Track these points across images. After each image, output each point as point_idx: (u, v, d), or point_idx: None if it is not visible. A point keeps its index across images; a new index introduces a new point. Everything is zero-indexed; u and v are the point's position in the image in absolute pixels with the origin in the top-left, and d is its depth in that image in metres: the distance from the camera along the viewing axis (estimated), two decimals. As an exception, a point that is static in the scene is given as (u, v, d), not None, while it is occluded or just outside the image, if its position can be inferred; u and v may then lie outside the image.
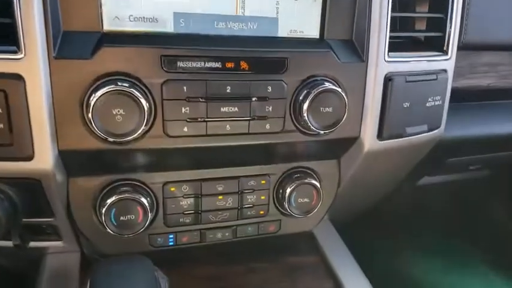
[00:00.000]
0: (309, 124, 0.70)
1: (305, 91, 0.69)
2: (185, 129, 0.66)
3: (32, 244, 0.80)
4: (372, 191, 1.01)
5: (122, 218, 0.71)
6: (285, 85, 0.69)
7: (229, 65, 0.66)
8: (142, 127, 0.63)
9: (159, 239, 0.78)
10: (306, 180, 0.80)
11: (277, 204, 0.83)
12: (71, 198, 0.71)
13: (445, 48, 0.81)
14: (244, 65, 0.67)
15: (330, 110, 0.70)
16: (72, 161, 0.67)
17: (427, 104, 0.80)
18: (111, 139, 0.63)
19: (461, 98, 1.08)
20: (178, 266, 0.87)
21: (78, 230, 0.76)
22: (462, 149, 1.04)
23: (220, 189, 0.78)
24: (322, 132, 0.72)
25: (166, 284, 0.57)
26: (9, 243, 0.77)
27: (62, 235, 0.80)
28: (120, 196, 0.70)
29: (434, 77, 0.79)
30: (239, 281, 0.87)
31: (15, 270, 1.16)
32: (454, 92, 0.90)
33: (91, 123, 0.61)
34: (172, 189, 0.75)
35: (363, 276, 0.91)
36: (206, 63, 0.65)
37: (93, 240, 0.76)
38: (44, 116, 0.59)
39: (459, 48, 0.86)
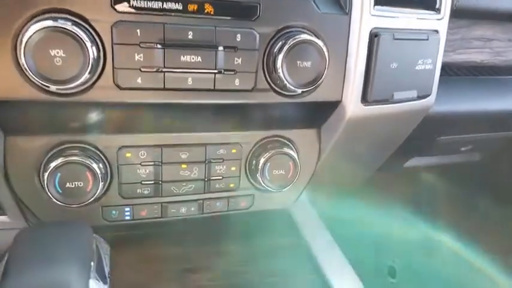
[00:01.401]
0: (284, 81, 0.62)
1: (280, 42, 0.61)
2: (139, 80, 0.57)
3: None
4: (356, 167, 0.93)
5: (68, 184, 0.62)
6: (257, 34, 0.60)
7: (191, 7, 0.57)
8: (86, 74, 0.54)
9: (113, 212, 0.69)
10: (282, 150, 0.71)
11: (249, 177, 0.75)
12: (8, 161, 0.62)
13: (437, 7, 0.73)
14: (209, 8, 0.58)
15: (307, 65, 0.62)
16: (8, 115, 0.58)
17: (417, 67, 0.72)
18: (51, 87, 0.54)
19: (454, 74, 1.01)
20: (139, 245, 0.79)
21: (19, 200, 0.67)
22: (453, 126, 0.96)
23: (184, 157, 0.69)
24: (299, 91, 0.64)
25: (106, 257, 0.48)
26: None
27: (3, 207, 0.71)
28: (66, 159, 0.61)
29: (425, 36, 0.71)
30: (208, 262, 0.78)
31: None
32: (445, 67, 0.82)
33: (24, 67, 0.52)
34: (128, 155, 0.66)
35: (346, 263, 0.83)
36: (164, 3, 0.56)
37: (36, 212, 0.66)
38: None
39: (451, 14, 0.78)
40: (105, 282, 0.44)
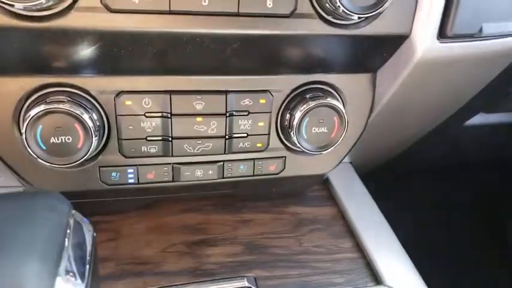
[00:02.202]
0: (337, 2, 0.44)
1: None
2: (135, -1, 0.42)
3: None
4: (412, 124, 0.75)
5: (53, 139, 0.48)
6: None
7: None
8: None
9: (113, 174, 0.56)
10: (326, 102, 0.55)
11: (281, 135, 0.59)
12: (-23, 107, 0.49)
13: None
14: None
15: (369, -20, 0.44)
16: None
17: (517, -10, 0.52)
18: (16, 5, 0.39)
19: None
20: (148, 212, 0.66)
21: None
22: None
23: (199, 107, 0.54)
24: (355, 18, 0.46)
25: (90, 239, 0.35)
26: None
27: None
28: (49, 107, 0.47)
29: None
30: (228, 234, 0.65)
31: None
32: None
33: None
34: (128, 102, 0.52)
35: (394, 238, 0.69)
36: None
37: (21, 173, 0.54)
38: None
39: None
40: (82, 278, 0.32)
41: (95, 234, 0.37)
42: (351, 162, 0.83)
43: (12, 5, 0.40)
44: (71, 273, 0.31)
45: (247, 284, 0.58)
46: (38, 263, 0.29)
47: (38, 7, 0.41)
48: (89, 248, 0.35)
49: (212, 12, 0.44)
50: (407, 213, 0.79)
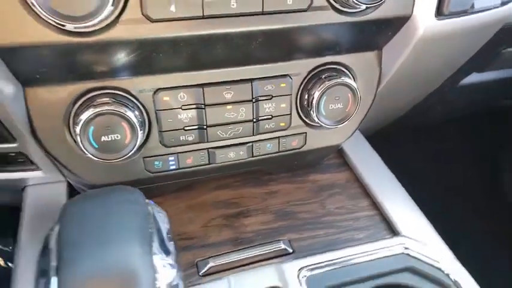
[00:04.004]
0: (348, -7, 0.50)
1: None
2: (172, 8, 0.47)
3: (9, 175, 0.66)
4: (413, 91, 0.82)
5: (103, 138, 0.54)
6: None
7: None
8: (109, 5, 0.43)
9: (156, 163, 0.62)
10: (340, 80, 0.61)
11: (301, 114, 0.66)
12: (32, 116, 0.54)
13: None
14: None
15: (376, -28, 0.49)
16: (22, 64, 0.49)
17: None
18: (69, 26, 0.44)
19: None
20: (186, 192, 0.73)
21: (51, 158, 0.60)
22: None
23: (228, 96, 0.60)
24: (363, 6, 0.52)
25: (165, 220, 0.42)
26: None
27: (37, 163, 0.65)
28: (98, 110, 0.53)
29: None
30: (260, 204, 0.73)
31: (9, 203, 1.05)
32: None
33: (32, 2, 0.42)
34: (165, 98, 0.58)
35: (405, 194, 0.77)
36: None
37: (73, 169, 0.60)
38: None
39: None
40: (168, 254, 0.38)
41: (166, 214, 0.43)
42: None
43: (63, 26, 0.45)
44: (160, 251, 0.39)
45: (283, 246, 0.66)
46: (138, 247, 0.35)
47: (87, 28, 0.46)
48: (167, 227, 0.42)
49: (240, 13, 0.50)
50: (411, 167, 0.87)
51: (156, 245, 0.37)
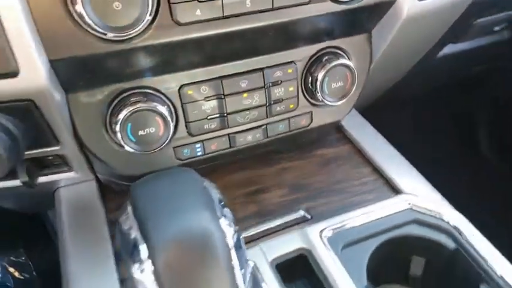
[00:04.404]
0: (344, -13, 0.58)
1: None
2: (197, 12, 0.54)
3: (42, 179, 0.72)
4: (399, 66, 0.91)
5: (140, 132, 0.61)
6: None
7: None
8: (147, 15, 0.50)
9: (185, 151, 0.69)
10: (339, 62, 0.70)
11: (306, 95, 0.74)
12: (75, 119, 0.61)
13: None
14: None
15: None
16: (68, 73, 0.55)
17: None
18: (110, 35, 0.50)
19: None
20: (209, 176, 0.80)
21: (91, 156, 0.67)
22: (495, 6, 0.92)
23: (243, 85, 0.67)
24: (356, -4, 0.60)
25: (216, 191, 0.49)
26: (16, 182, 0.68)
27: (72, 164, 0.71)
28: (133, 108, 0.59)
29: None
30: (275, 181, 0.81)
31: (28, 211, 1.09)
32: None
33: (81, 18, 0.48)
34: (190, 92, 0.65)
35: (402, 158, 0.86)
36: None
37: (113, 164, 0.66)
38: (19, 15, 0.46)
39: None
40: (226, 217, 0.46)
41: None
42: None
43: (105, 34, 0.51)
44: (221, 215, 0.46)
45: (302, 213, 0.74)
46: (207, 212, 0.43)
47: (125, 36, 0.52)
48: (219, 197, 0.49)
49: (254, 11, 0.57)
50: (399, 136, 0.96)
51: (218, 212, 0.44)
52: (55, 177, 0.74)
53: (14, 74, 0.48)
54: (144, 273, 0.40)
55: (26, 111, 0.54)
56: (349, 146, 0.89)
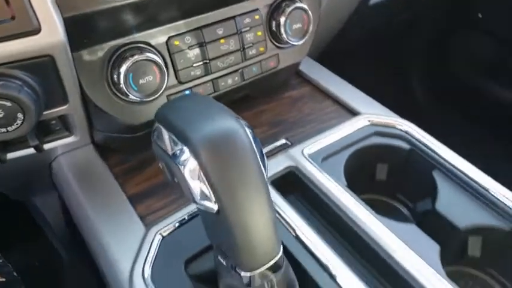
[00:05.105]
0: None
1: None
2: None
3: (49, 146, 0.77)
4: (341, 11, 1.06)
5: (141, 81, 0.70)
6: None
7: None
8: None
9: (176, 98, 0.78)
10: (297, 5, 0.82)
11: (272, 39, 0.86)
12: (80, 76, 0.68)
13: None
14: None
15: None
16: (76, 30, 0.62)
17: None
18: None
19: None
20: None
21: (94, 113, 0.74)
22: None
23: (220, 33, 0.77)
24: None
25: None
26: (24, 152, 0.74)
27: (74, 127, 0.77)
28: (133, 59, 0.67)
29: None
30: (255, 121, 0.92)
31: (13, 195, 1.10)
32: None
33: None
34: (176, 43, 0.74)
35: (355, 88, 1.01)
36: None
37: (116, 115, 0.73)
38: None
39: None
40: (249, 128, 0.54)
41: None
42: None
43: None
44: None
45: (284, 141, 0.87)
46: (232, 116, 0.52)
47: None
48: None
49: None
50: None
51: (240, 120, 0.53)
52: (56, 143, 0.80)
53: (36, 31, 0.55)
54: (189, 170, 0.49)
55: (44, 68, 0.60)
56: (310, 87, 1.03)
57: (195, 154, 0.47)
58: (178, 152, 0.49)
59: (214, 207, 0.49)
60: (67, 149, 0.85)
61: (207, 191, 0.48)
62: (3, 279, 1.32)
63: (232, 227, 0.49)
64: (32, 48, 0.57)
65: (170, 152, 0.50)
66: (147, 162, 0.84)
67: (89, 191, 0.79)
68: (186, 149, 0.48)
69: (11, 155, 0.74)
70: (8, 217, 1.24)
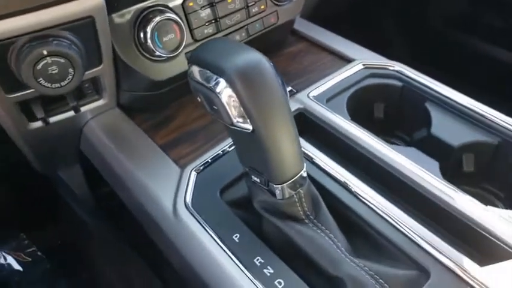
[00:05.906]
0: None
1: None
2: None
3: (83, 109, 0.86)
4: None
5: (164, 39, 0.79)
6: None
7: None
8: None
9: (194, 55, 0.88)
10: (290, -35, 0.92)
11: (271, -4, 0.95)
12: (112, 37, 0.76)
13: None
14: None
15: None
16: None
17: None
18: None
19: None
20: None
21: (122, 73, 0.83)
22: None
23: (226, -8, 0.87)
24: None
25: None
26: (63, 116, 0.82)
27: (104, 89, 0.86)
28: (158, 19, 0.76)
29: None
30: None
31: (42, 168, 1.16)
32: None
33: None
34: (191, 4, 0.83)
35: (347, 40, 1.12)
36: None
37: (144, 72, 0.82)
38: None
39: None
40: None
41: None
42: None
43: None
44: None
45: (290, 89, 0.97)
46: (260, 55, 0.61)
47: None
48: None
49: None
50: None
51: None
52: (88, 107, 0.88)
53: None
54: (226, 97, 0.58)
55: (87, 28, 0.69)
56: (306, 42, 1.13)
57: (230, 83, 0.56)
58: (214, 83, 0.58)
59: (250, 127, 0.59)
60: (95, 113, 0.93)
61: (243, 113, 0.58)
62: (29, 259, 1.39)
63: (265, 142, 0.59)
64: (77, 10, 0.65)
65: (208, 85, 0.60)
66: (170, 117, 0.93)
67: (122, 146, 0.88)
68: (221, 80, 0.57)
69: (53, 119, 0.83)
70: (35, 195, 1.32)
